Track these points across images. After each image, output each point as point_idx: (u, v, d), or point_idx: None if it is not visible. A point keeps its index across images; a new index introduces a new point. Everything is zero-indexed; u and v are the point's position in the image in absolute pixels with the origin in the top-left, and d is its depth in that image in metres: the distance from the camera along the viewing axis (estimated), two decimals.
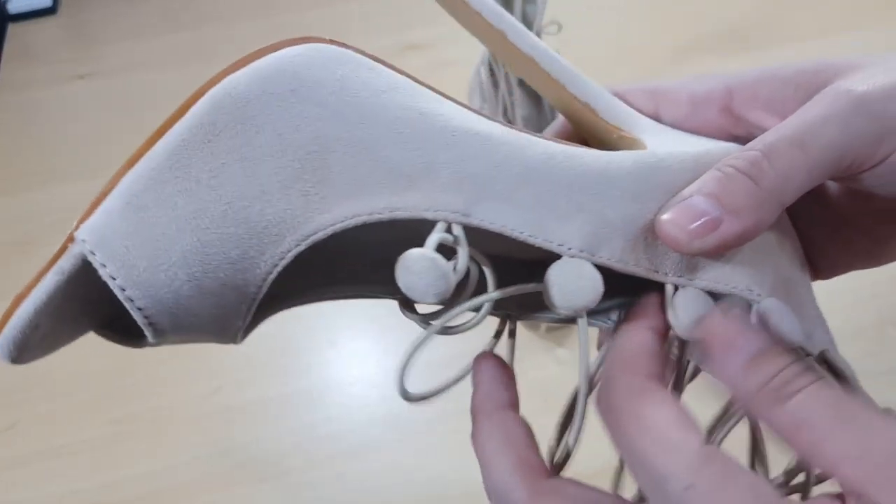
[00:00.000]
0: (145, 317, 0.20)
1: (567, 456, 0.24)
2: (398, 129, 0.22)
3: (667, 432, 0.19)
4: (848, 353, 0.25)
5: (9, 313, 0.19)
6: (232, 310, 0.21)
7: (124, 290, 0.20)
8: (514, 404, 0.24)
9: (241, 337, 0.23)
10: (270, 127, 0.21)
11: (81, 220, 0.20)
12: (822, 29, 0.83)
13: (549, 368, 0.57)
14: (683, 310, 0.22)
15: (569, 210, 0.22)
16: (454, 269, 0.21)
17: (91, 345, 0.61)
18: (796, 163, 0.21)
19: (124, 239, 0.20)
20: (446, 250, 0.21)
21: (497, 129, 0.23)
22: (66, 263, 0.20)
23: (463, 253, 0.21)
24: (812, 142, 0.21)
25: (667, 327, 0.23)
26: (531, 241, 0.22)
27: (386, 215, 0.21)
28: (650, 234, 0.22)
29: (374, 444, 0.54)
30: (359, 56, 0.23)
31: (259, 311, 0.22)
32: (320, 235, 0.21)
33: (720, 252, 0.22)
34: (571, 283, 0.22)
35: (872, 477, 0.18)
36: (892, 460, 0.18)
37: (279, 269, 0.21)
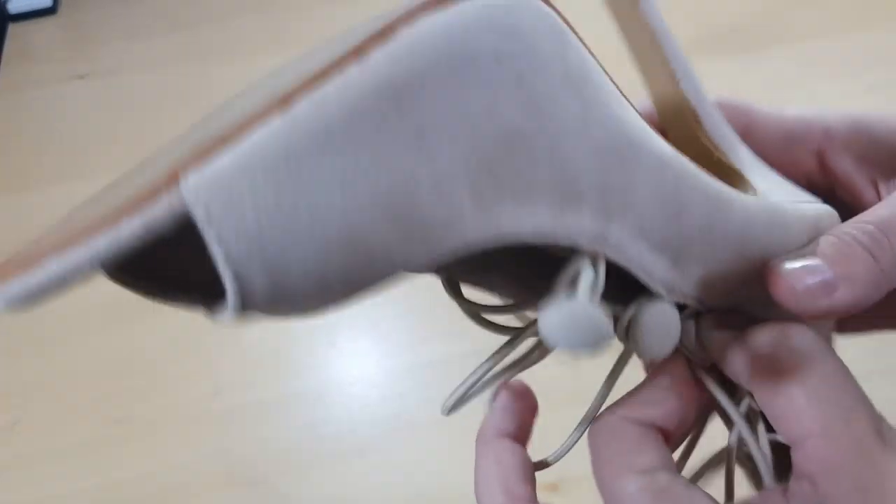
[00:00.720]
0: (243, 303, 0.15)
1: (543, 465, 0.23)
2: (590, 130, 0.17)
3: (620, 463, 0.20)
4: (848, 352, 0.25)
5: (37, 255, 0.14)
6: (327, 304, 0.17)
7: (238, 278, 0.14)
8: (516, 433, 0.24)
9: None
10: (462, 101, 0.16)
11: (191, 163, 0.14)
12: (823, 29, 0.83)
13: (549, 368, 0.56)
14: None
15: (697, 259, 0.20)
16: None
17: (91, 345, 0.61)
18: None
19: (257, 212, 0.14)
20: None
21: (664, 147, 0.19)
22: (158, 217, 0.14)
23: (597, 293, 0.18)
24: None
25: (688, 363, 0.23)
26: (644, 278, 0.19)
27: (546, 238, 0.17)
28: (737, 290, 0.21)
29: (374, 444, 0.54)
30: (562, 23, 0.18)
31: None
32: (479, 246, 0.17)
33: (819, 318, 0.21)
34: (659, 331, 0.20)
35: (825, 464, 0.18)
36: (849, 454, 0.18)
37: (412, 272, 0.17)
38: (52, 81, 0.86)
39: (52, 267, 0.14)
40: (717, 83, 0.27)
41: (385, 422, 0.55)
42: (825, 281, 0.20)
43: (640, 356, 0.21)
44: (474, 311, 0.23)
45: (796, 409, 0.19)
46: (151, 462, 0.54)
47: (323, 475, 0.53)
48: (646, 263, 0.19)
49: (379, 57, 0.15)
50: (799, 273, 0.20)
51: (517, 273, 0.25)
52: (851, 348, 0.24)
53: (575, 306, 0.17)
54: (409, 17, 0.15)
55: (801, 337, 0.20)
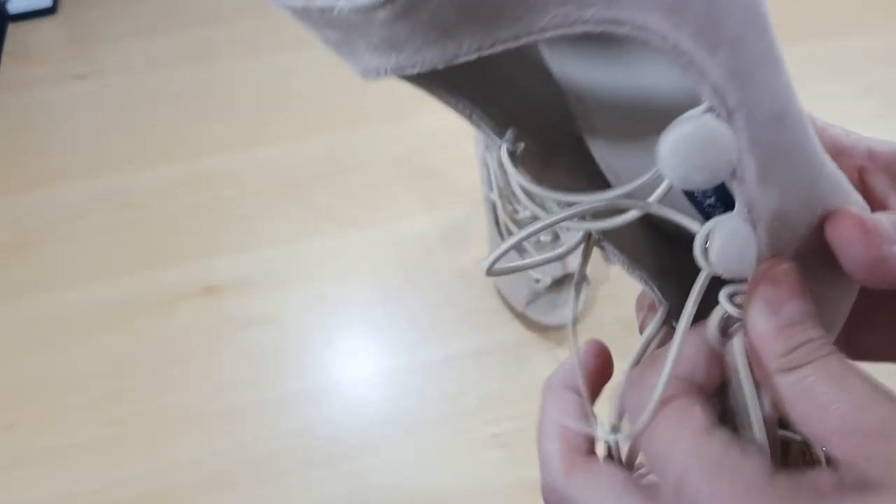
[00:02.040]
0: None
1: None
2: None
3: (668, 423, 0.21)
4: None
5: None
6: (477, 29, 0.16)
7: None
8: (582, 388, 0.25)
9: (383, 73, 0.18)
10: None
11: None
12: (823, 29, 0.83)
13: (549, 368, 0.56)
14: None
15: (777, 179, 0.20)
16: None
17: (89, 345, 0.61)
18: None
19: None
20: None
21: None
22: None
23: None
24: None
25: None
26: (736, 184, 0.20)
27: (670, 55, 0.17)
28: (795, 243, 0.22)
29: (374, 445, 0.54)
30: None
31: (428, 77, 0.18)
32: (617, 28, 0.16)
33: (870, 270, 0.22)
34: (737, 244, 0.20)
35: (861, 450, 0.19)
36: (880, 435, 0.18)
37: (542, 34, 0.16)
38: (52, 81, 0.86)
39: None
40: None
41: (385, 422, 0.55)
42: (886, 231, 0.21)
43: (719, 273, 0.21)
44: (525, 184, 0.23)
45: (818, 410, 0.19)
46: (151, 463, 0.54)
47: (322, 475, 0.53)
48: (744, 158, 0.20)
49: None
50: (865, 214, 0.22)
51: (580, 169, 0.25)
52: None
53: (704, 120, 0.17)
54: None
55: (816, 343, 0.21)
